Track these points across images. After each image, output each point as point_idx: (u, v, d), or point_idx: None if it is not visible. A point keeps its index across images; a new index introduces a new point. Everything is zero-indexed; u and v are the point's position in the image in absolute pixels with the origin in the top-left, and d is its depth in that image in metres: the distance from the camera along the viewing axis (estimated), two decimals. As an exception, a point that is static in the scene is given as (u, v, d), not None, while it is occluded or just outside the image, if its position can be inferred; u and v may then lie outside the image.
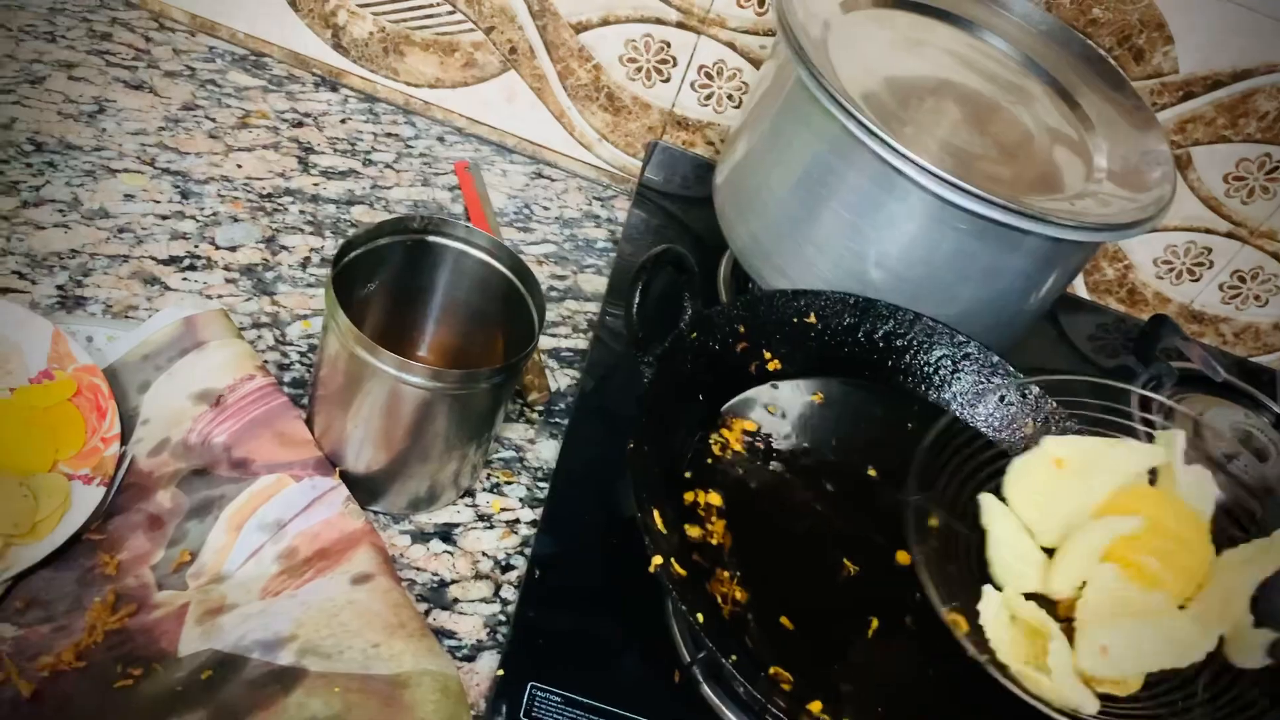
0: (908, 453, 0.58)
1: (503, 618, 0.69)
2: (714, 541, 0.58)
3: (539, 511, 0.75)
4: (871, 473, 0.65)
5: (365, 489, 0.69)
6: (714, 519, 0.59)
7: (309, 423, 0.70)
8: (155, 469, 0.66)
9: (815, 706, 0.54)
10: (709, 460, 0.62)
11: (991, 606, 0.57)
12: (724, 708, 0.59)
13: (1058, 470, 0.60)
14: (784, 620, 0.57)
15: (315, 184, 0.91)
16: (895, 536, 0.62)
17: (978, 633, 0.55)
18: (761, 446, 0.64)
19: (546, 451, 0.79)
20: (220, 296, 0.79)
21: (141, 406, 0.69)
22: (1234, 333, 1.03)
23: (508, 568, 0.71)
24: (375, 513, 0.70)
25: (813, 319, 0.67)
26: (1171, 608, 0.57)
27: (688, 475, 0.59)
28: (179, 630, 0.60)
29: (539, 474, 0.77)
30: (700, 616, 0.50)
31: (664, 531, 0.55)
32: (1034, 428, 0.67)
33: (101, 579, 0.62)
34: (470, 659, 0.66)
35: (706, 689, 0.59)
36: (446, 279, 0.71)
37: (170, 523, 0.65)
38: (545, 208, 0.99)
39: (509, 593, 0.70)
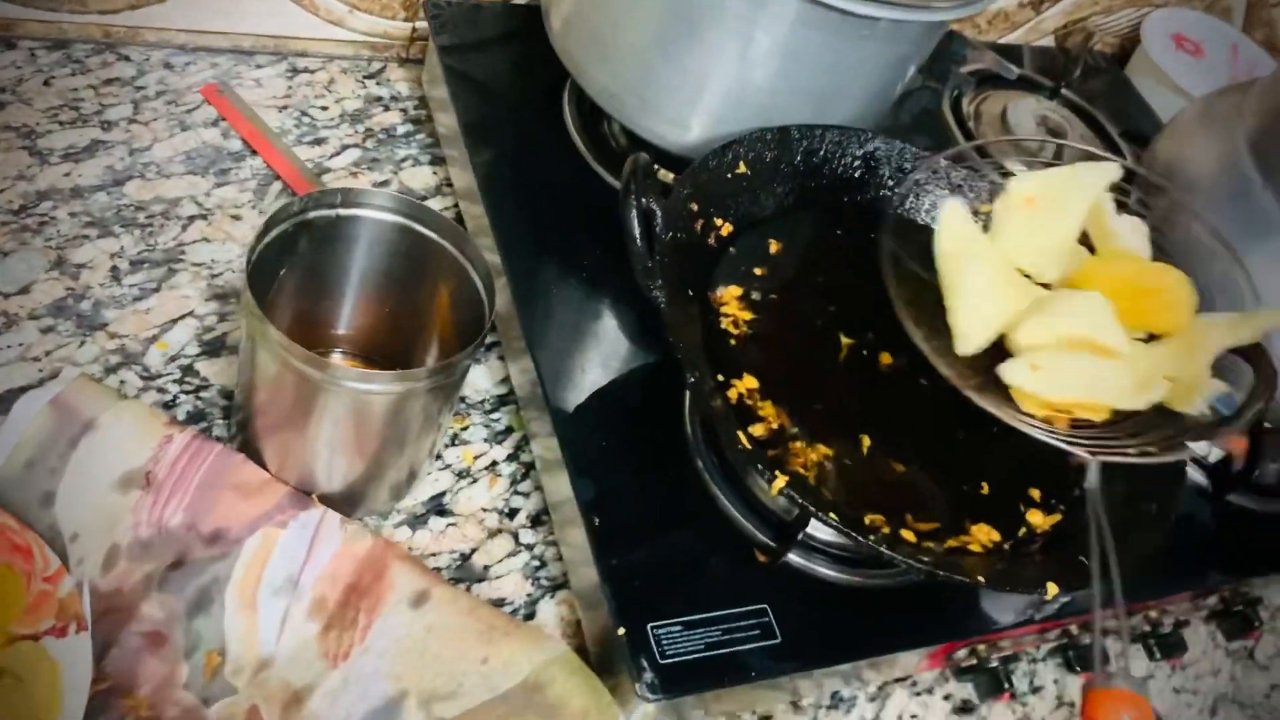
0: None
1: (536, 562, 0.67)
2: (774, 426, 0.58)
3: (508, 444, 0.71)
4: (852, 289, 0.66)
5: (344, 502, 0.63)
6: (760, 403, 0.59)
7: (255, 457, 0.61)
8: (120, 584, 0.57)
9: (910, 535, 0.57)
10: (731, 343, 0.61)
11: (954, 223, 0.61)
12: (817, 567, 0.61)
13: (1031, 209, 0.63)
14: (864, 443, 0.60)
15: (65, 174, 0.74)
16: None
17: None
18: (761, 304, 0.64)
19: (482, 380, 0.74)
20: (48, 354, 0.66)
21: (59, 523, 0.58)
22: (986, 21, 1.10)
23: (513, 513, 0.68)
24: (362, 520, 0.64)
25: (743, 168, 0.65)
26: (1124, 355, 0.60)
27: (720, 378, 0.58)
28: (268, 740, 0.54)
29: (486, 406, 0.73)
30: (834, 515, 0.51)
31: (755, 447, 0.54)
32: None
33: (140, 726, 0.54)
34: (531, 616, 0.64)
35: (794, 556, 0.61)
36: (362, 250, 0.62)
37: (173, 632, 0.56)
38: (323, 108, 0.86)
39: (528, 536, 0.68)
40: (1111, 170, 0.64)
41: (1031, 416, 0.58)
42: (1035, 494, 0.62)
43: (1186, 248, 0.69)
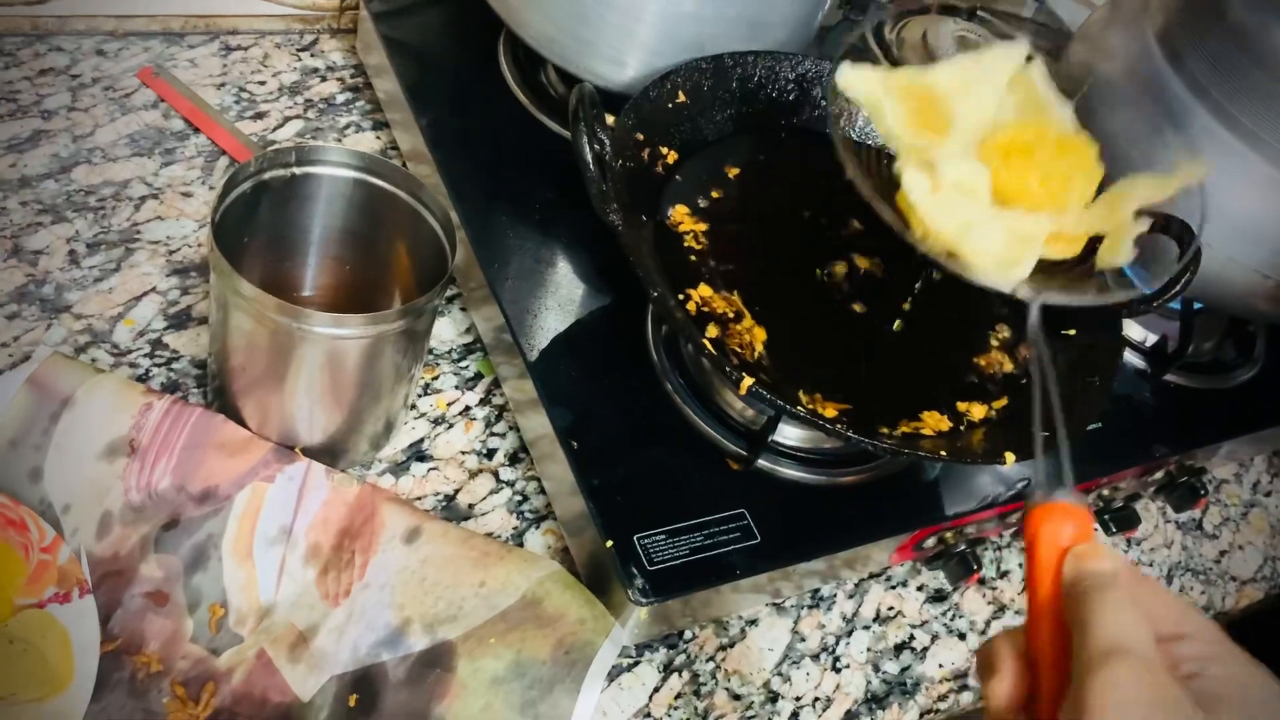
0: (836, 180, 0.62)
1: (519, 497, 0.69)
2: (730, 314, 0.61)
3: (479, 389, 0.73)
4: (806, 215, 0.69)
5: (326, 454, 0.64)
6: (714, 299, 0.61)
7: (235, 418, 0.63)
8: (117, 548, 0.58)
9: (884, 429, 0.60)
10: (693, 259, 0.63)
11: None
12: (785, 470, 0.64)
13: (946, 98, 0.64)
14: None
15: (11, 165, 0.75)
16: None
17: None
18: (709, 212, 0.67)
19: (447, 331, 0.76)
20: (16, 339, 0.66)
21: (49, 496, 0.59)
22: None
23: (491, 453, 0.71)
24: (346, 472, 0.66)
25: (682, 97, 0.67)
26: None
27: (680, 296, 0.60)
28: (279, 677, 0.56)
29: (454, 355, 0.75)
30: (800, 408, 0.54)
31: (718, 353, 0.57)
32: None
33: (153, 680, 0.55)
34: (521, 545, 0.67)
35: (764, 462, 0.64)
36: (320, 208, 0.64)
37: (174, 590, 0.58)
38: (261, 83, 0.87)
39: (508, 474, 0.70)
40: (1019, 49, 0.62)
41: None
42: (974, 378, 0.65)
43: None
